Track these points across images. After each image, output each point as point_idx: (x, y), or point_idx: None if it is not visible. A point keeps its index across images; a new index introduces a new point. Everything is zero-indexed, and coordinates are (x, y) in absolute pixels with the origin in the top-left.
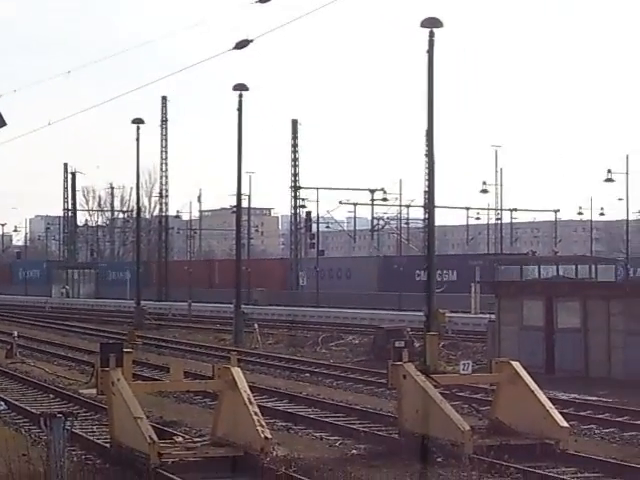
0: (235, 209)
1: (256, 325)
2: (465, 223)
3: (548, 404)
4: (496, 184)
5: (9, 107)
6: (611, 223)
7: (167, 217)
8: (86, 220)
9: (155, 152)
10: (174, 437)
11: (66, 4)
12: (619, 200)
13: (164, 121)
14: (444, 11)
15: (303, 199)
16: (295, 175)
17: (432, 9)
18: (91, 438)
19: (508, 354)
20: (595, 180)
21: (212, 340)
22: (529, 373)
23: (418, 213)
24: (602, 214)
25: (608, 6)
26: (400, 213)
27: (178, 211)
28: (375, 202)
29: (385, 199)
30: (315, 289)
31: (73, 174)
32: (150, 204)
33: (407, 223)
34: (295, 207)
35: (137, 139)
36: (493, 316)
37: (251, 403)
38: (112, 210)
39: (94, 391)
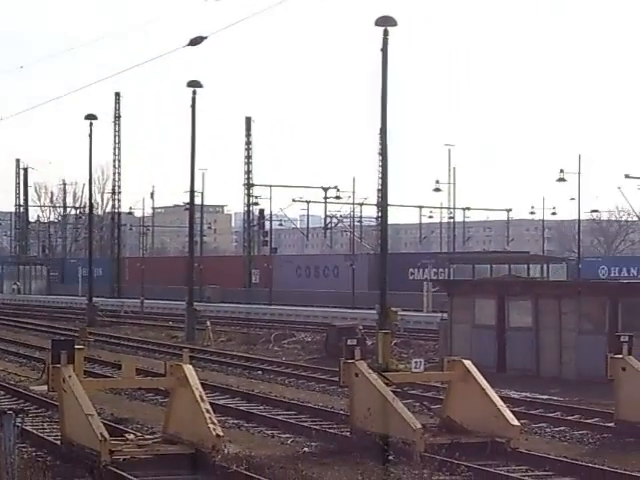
0: (188, 206)
1: (208, 322)
2: (418, 222)
3: (499, 402)
4: (449, 183)
5: None
6: (563, 222)
7: (120, 214)
8: (38, 216)
9: (108, 148)
10: (125, 434)
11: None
12: (571, 200)
13: (117, 117)
14: (396, 9)
15: (256, 197)
16: (248, 172)
17: (386, 8)
18: (42, 435)
19: (460, 352)
20: (547, 180)
21: (164, 337)
22: (481, 371)
23: (371, 211)
24: (554, 213)
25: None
26: (353, 211)
27: (131, 208)
28: (328, 200)
29: (338, 197)
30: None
31: (25, 170)
32: (103, 200)
33: (360, 221)
34: (248, 204)
35: (90, 135)
36: (445, 315)
37: (203, 400)
38: (64, 206)
39: (45, 388)
